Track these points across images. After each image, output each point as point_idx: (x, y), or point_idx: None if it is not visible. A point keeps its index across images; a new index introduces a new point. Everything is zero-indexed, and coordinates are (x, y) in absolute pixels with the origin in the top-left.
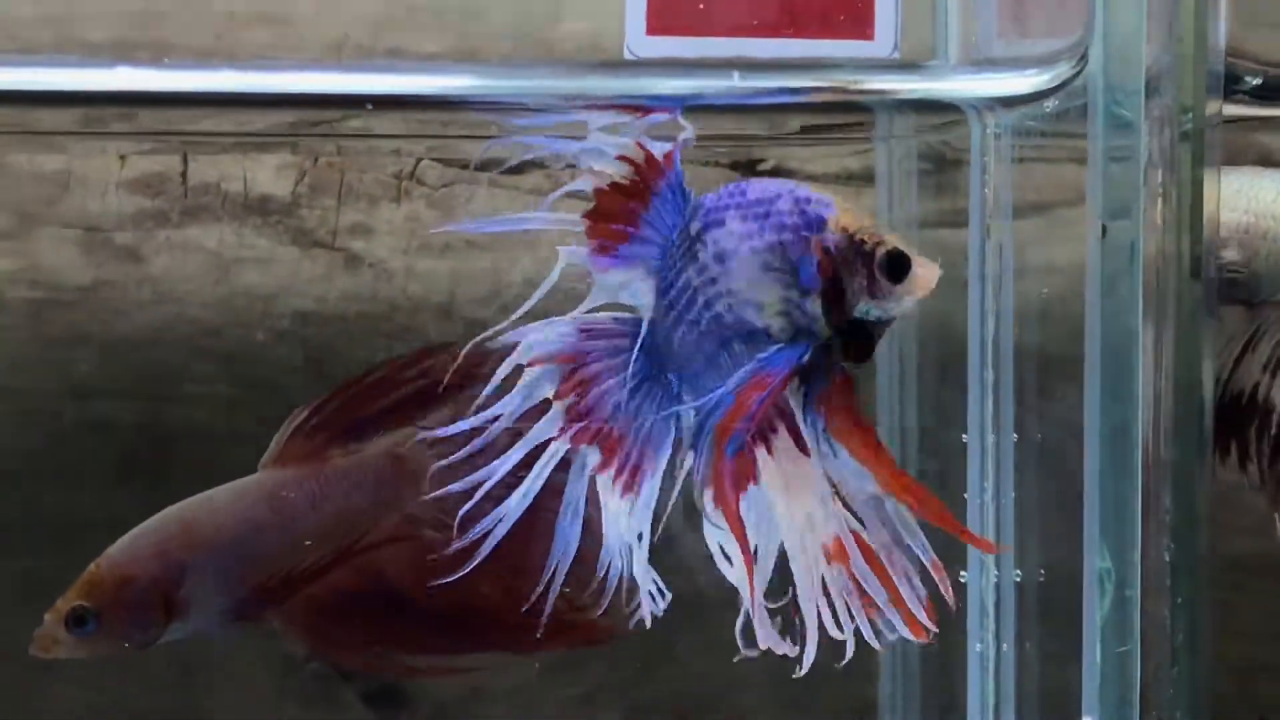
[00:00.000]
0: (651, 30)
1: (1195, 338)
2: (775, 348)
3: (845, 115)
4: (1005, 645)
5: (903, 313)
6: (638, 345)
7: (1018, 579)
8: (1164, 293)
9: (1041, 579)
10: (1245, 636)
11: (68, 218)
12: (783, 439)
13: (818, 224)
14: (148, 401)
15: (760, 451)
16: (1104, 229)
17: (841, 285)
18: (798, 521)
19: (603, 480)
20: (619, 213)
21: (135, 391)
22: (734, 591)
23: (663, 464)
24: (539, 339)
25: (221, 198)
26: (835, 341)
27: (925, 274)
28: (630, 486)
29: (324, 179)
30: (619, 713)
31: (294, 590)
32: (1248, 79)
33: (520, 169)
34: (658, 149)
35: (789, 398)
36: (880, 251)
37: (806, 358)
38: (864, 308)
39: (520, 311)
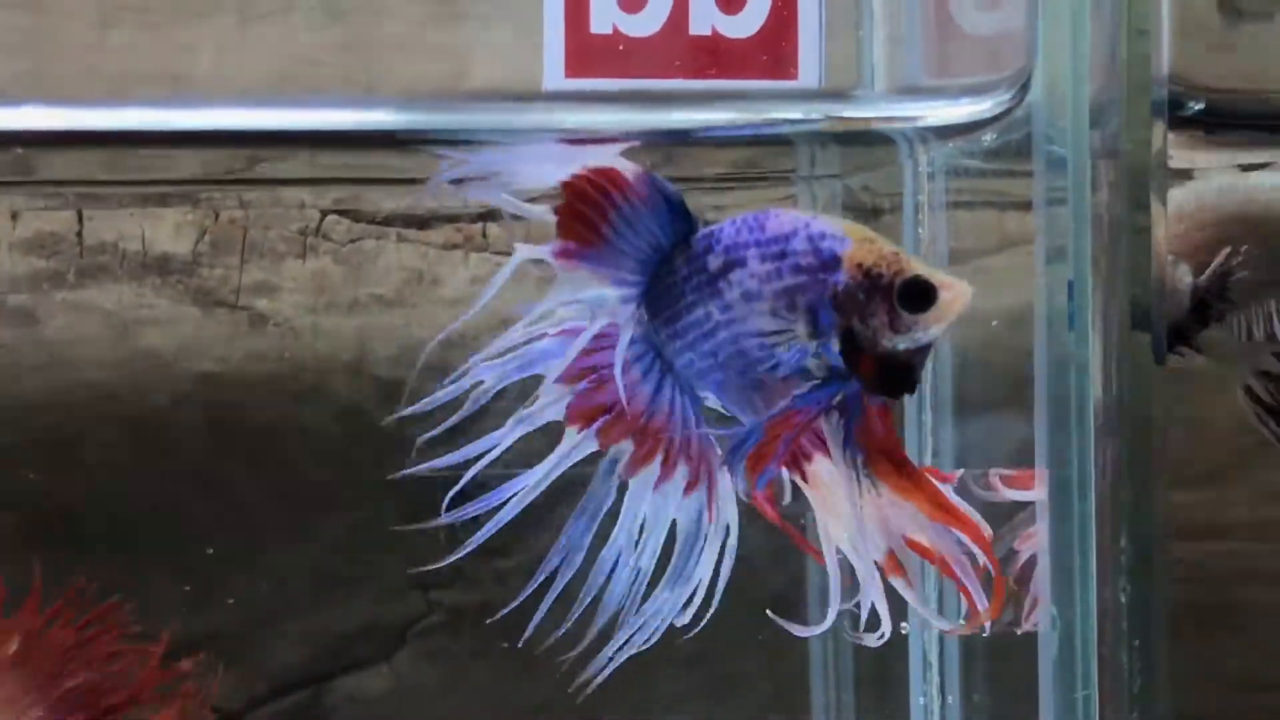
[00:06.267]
0: (570, 73)
1: (1145, 384)
2: (810, 385)
3: (770, 154)
4: (950, 698)
5: (933, 338)
6: (649, 351)
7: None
8: (1109, 337)
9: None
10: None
11: None
12: (819, 465)
13: (832, 263)
14: (46, 469)
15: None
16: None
17: (855, 329)
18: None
19: (645, 475)
20: (583, 224)
21: (32, 459)
22: None
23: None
24: (550, 349)
25: (120, 257)
26: (864, 380)
27: (951, 297)
28: (696, 480)
29: (226, 236)
30: None
31: None
32: (1190, 104)
33: (427, 223)
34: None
35: (826, 430)
36: (899, 282)
37: (838, 398)
38: (890, 341)
39: (470, 313)
